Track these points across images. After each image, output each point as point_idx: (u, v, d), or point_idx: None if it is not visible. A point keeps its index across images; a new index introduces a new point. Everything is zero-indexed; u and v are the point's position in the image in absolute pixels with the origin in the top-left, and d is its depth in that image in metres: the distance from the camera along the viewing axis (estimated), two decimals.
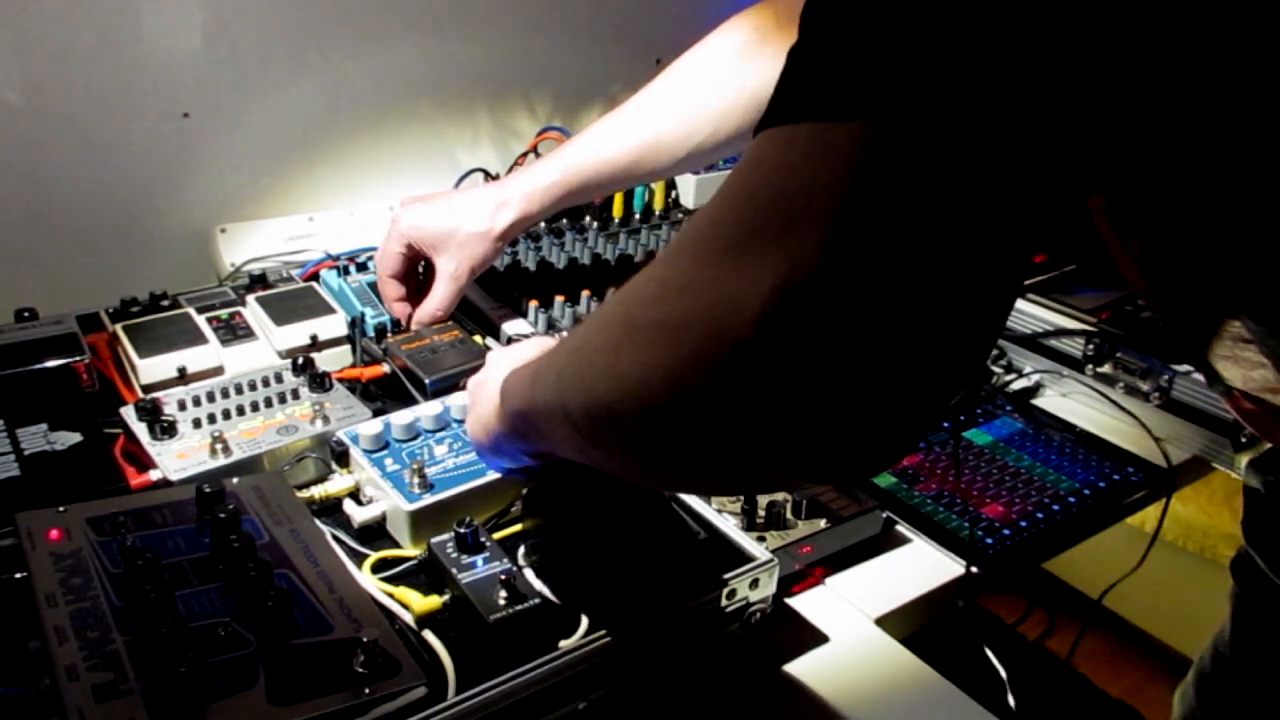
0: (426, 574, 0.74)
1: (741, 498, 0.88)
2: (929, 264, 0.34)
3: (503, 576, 0.68)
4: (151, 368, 0.96)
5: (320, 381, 0.93)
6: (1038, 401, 1.16)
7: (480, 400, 0.70)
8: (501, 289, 1.17)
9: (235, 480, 0.78)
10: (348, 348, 1.06)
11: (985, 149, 0.33)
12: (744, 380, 0.36)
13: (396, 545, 0.78)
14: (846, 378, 0.35)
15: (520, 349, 0.73)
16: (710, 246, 0.37)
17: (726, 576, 0.72)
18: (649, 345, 0.39)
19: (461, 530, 0.72)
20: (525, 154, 1.32)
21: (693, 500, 0.80)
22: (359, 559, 0.75)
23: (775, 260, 0.34)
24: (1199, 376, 1.07)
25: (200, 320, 1.03)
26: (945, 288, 0.35)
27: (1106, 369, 1.15)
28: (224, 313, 1.06)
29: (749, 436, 0.37)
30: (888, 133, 0.33)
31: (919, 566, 0.88)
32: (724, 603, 0.72)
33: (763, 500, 0.88)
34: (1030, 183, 0.34)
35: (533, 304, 1.13)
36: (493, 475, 0.80)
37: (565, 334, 1.04)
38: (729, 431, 0.38)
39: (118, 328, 1.00)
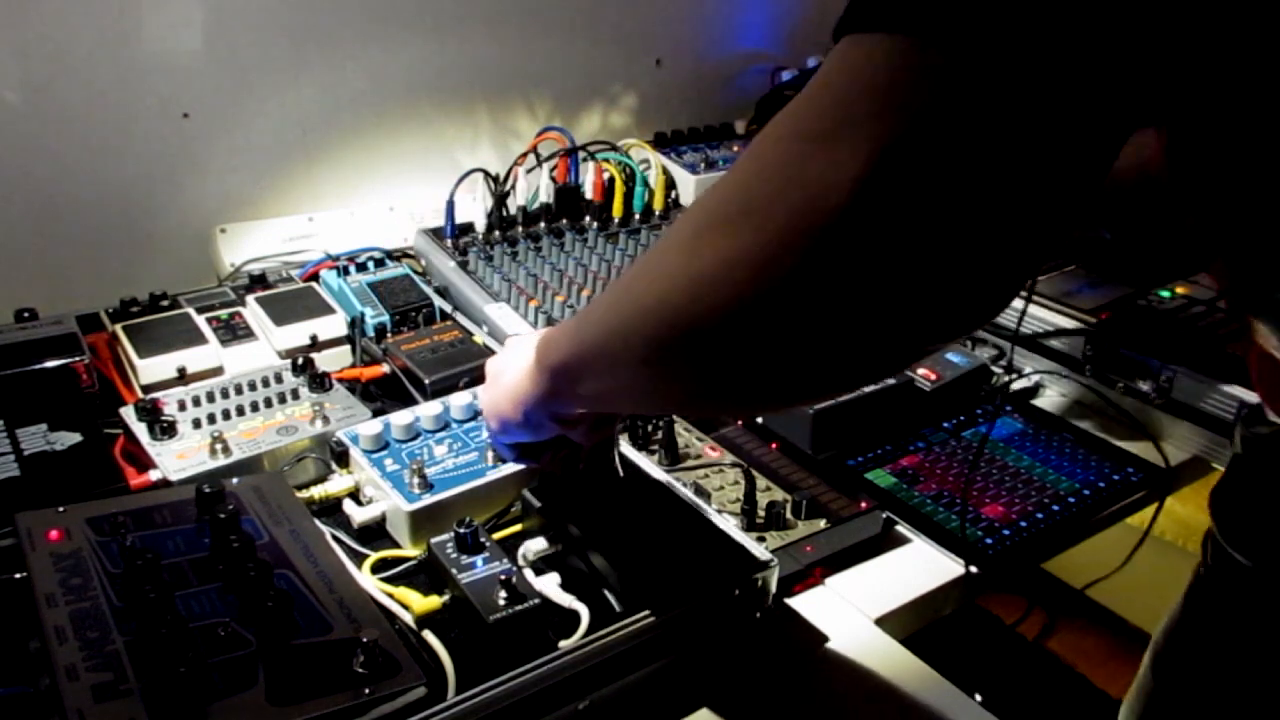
0: (426, 574, 0.74)
1: (741, 498, 0.88)
2: (1000, 153, 0.36)
3: (503, 576, 0.68)
4: (151, 368, 0.96)
5: (320, 381, 0.93)
6: (1038, 401, 1.16)
7: (504, 371, 0.68)
8: (501, 289, 1.17)
9: (235, 480, 0.78)
10: (348, 348, 1.06)
11: (1058, 49, 0.34)
12: (838, 253, 0.36)
13: (396, 545, 0.78)
14: (938, 244, 0.36)
15: (539, 331, 0.72)
16: (797, 132, 0.38)
17: (727, 576, 0.72)
18: (733, 234, 0.40)
19: (461, 530, 0.72)
20: (525, 154, 1.32)
21: (693, 500, 0.80)
22: (359, 559, 0.75)
23: (868, 137, 0.35)
24: (1199, 376, 1.07)
25: (200, 320, 1.03)
26: (1021, 161, 0.36)
27: (1107, 369, 1.15)
28: (224, 313, 1.06)
29: (840, 312, 0.38)
30: (963, 52, 0.35)
31: (919, 567, 0.88)
32: (724, 602, 0.72)
33: (763, 500, 0.88)
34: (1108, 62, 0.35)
35: (533, 304, 1.13)
36: (493, 475, 0.80)
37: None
38: (818, 308, 0.38)
39: (118, 328, 1.00)
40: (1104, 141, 0.38)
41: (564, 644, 0.66)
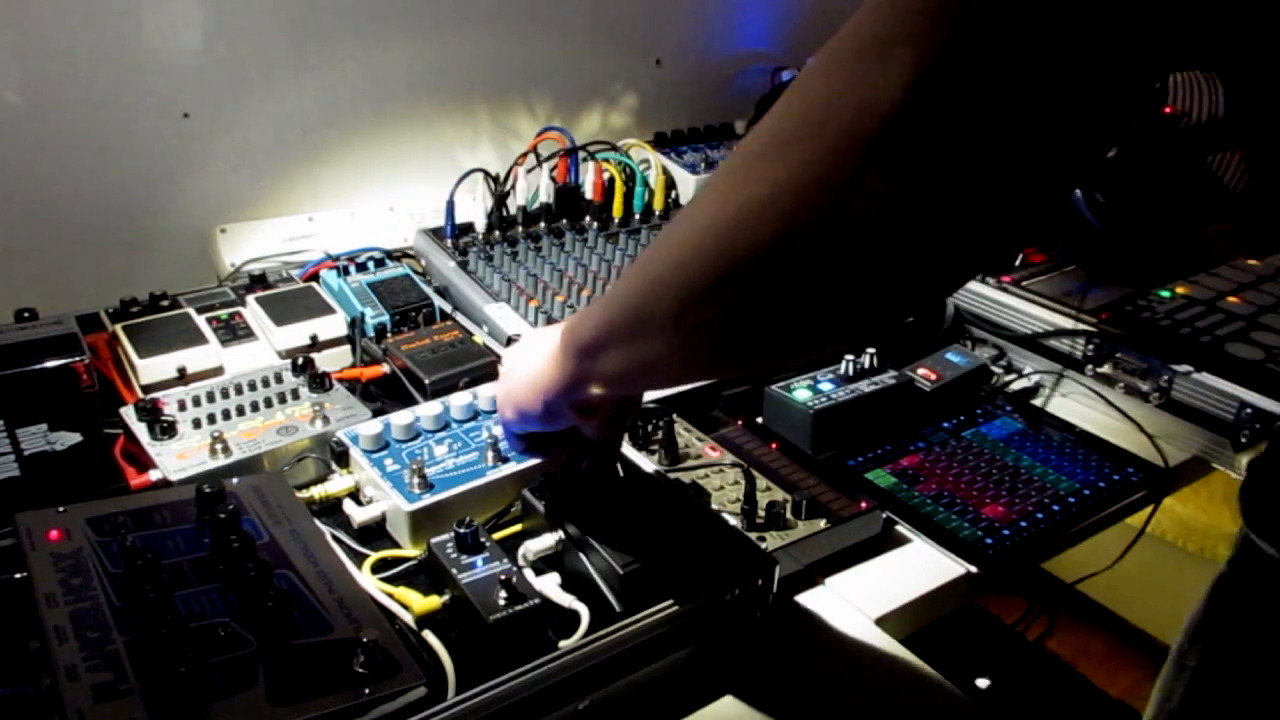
0: (426, 574, 0.74)
1: (741, 498, 0.88)
2: (1056, 54, 0.36)
3: (503, 576, 0.68)
4: (151, 368, 0.96)
5: (320, 381, 0.93)
6: (1038, 401, 1.16)
7: (524, 361, 0.68)
8: (501, 289, 1.17)
9: (235, 480, 0.78)
10: (348, 348, 1.06)
11: None
12: (891, 161, 0.36)
13: (396, 545, 0.78)
14: (993, 146, 0.36)
15: (559, 324, 0.72)
16: (842, 54, 0.38)
17: (728, 576, 0.72)
18: (780, 161, 0.39)
19: (461, 530, 0.72)
20: (525, 154, 1.32)
21: (693, 500, 0.80)
22: (359, 559, 0.75)
23: (923, 44, 0.35)
24: (1199, 376, 1.07)
25: (200, 320, 1.03)
26: (1061, 60, 0.36)
27: (1106, 369, 1.15)
28: (224, 313, 1.06)
29: (893, 228, 0.38)
30: None
31: (919, 567, 0.88)
32: (724, 603, 0.72)
33: (763, 500, 0.88)
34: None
35: (533, 304, 1.13)
36: (493, 475, 0.80)
37: None
38: (871, 225, 0.38)
39: (118, 328, 1.00)
40: (1158, 48, 0.38)
41: (564, 644, 0.66)
